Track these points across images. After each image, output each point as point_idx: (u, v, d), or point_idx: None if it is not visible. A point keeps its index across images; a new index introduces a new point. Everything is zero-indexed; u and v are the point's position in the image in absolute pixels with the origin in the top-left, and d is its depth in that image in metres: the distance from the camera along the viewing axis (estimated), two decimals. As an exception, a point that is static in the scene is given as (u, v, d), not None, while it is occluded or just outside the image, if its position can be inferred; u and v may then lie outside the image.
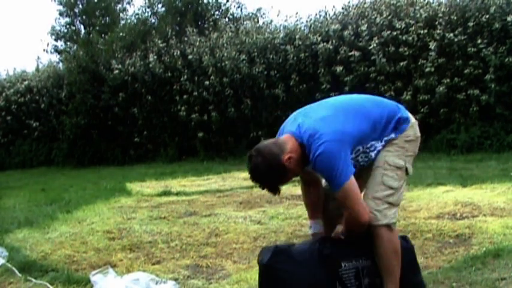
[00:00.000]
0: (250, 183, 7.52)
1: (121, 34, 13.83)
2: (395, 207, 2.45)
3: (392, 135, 2.49)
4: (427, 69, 8.84)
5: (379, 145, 2.48)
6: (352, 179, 2.32)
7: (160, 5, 14.85)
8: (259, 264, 2.51)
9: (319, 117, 2.40)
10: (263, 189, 2.44)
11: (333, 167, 2.28)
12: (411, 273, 2.55)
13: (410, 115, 2.61)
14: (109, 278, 3.06)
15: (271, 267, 2.41)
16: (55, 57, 20.36)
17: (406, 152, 2.52)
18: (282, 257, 2.42)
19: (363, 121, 2.42)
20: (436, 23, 8.96)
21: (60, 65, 15.51)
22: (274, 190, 2.43)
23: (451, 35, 8.71)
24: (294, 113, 2.55)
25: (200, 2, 13.85)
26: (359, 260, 2.45)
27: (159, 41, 12.15)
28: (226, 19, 13.78)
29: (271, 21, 13.08)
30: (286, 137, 2.41)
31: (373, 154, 2.47)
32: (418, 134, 2.62)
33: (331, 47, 9.71)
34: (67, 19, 20.05)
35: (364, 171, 2.50)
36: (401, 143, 2.50)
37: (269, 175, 2.35)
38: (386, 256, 2.40)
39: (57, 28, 20.20)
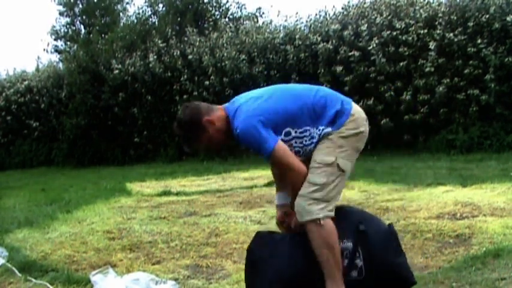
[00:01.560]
0: (250, 183, 7.54)
1: (121, 34, 13.83)
2: (324, 203, 2.44)
3: (329, 129, 2.48)
4: (427, 69, 8.84)
5: (315, 134, 2.49)
6: (279, 142, 2.43)
7: (160, 5, 14.86)
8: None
9: (248, 98, 2.61)
10: (180, 139, 2.72)
11: (256, 139, 2.42)
12: (391, 255, 2.56)
13: (355, 109, 2.56)
14: (109, 278, 3.06)
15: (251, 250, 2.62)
16: (55, 57, 20.38)
17: (340, 148, 2.48)
18: (262, 241, 2.61)
19: (290, 101, 2.50)
20: (436, 23, 8.96)
21: (60, 65, 15.51)
22: (188, 144, 2.70)
23: (451, 35, 8.70)
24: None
25: (200, 2, 13.86)
26: (339, 242, 2.48)
27: (159, 41, 12.15)
28: (226, 19, 13.77)
29: (271, 21, 13.11)
30: (220, 107, 2.64)
31: (309, 143, 2.49)
32: (362, 129, 2.55)
33: (331, 47, 9.70)
34: (67, 19, 20.08)
35: None
36: (335, 139, 2.48)
37: (186, 126, 2.58)
38: (318, 250, 2.43)
39: (57, 28, 20.23)
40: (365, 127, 2.57)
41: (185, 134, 2.62)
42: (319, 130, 2.48)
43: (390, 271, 2.52)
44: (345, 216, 2.56)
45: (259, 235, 2.71)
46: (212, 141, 2.59)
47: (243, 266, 3.44)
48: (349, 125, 2.50)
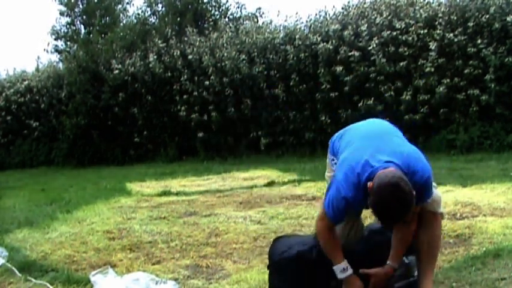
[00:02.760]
0: (250, 183, 7.54)
1: (121, 34, 13.83)
2: None
3: None
4: (427, 69, 8.84)
5: None
6: None
7: (160, 5, 14.86)
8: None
9: (402, 151, 2.40)
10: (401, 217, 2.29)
11: (430, 186, 2.41)
12: None
13: None
14: (109, 278, 3.06)
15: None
16: (55, 57, 20.34)
17: None
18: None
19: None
20: (436, 23, 8.96)
21: (60, 65, 15.49)
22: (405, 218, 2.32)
23: (451, 35, 8.70)
24: (360, 146, 2.48)
25: (200, 2, 13.85)
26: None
27: (159, 41, 12.14)
28: (226, 19, 13.77)
29: (271, 21, 13.06)
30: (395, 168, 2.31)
31: None
32: None
33: (331, 47, 9.70)
34: (67, 19, 20.03)
35: None
36: None
37: (412, 201, 2.25)
38: (437, 240, 2.62)
39: (58, 28, 20.18)
40: None
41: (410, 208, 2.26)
42: None
43: None
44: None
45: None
46: None
47: (243, 266, 3.46)
48: None
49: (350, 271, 2.49)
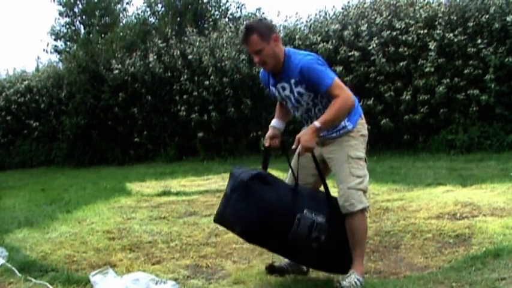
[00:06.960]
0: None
1: (121, 34, 13.83)
2: (366, 193, 2.92)
3: (349, 124, 2.94)
4: (427, 69, 8.84)
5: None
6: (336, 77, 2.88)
7: (160, 5, 14.86)
8: (239, 179, 2.92)
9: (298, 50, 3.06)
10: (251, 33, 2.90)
11: (320, 70, 2.85)
12: None
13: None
14: (109, 278, 3.06)
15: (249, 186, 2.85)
16: (55, 57, 20.34)
17: (363, 144, 2.98)
18: (259, 182, 2.87)
19: None
20: (436, 23, 8.97)
21: (60, 65, 15.50)
22: (260, 37, 2.88)
23: (451, 35, 8.71)
24: None
25: (200, 2, 13.86)
26: (318, 215, 2.84)
27: (159, 41, 12.14)
28: (226, 19, 13.77)
29: (271, 21, 13.06)
30: None
31: (318, 107, 3.00)
32: (366, 132, 3.07)
33: (331, 47, 9.70)
34: (67, 19, 20.05)
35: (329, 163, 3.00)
36: (357, 136, 2.96)
37: (263, 25, 2.94)
38: (358, 234, 2.88)
39: (57, 28, 20.20)
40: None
41: (260, 29, 2.88)
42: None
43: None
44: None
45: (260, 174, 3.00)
46: (271, 56, 2.91)
47: (243, 266, 3.46)
48: (360, 126, 2.99)
49: (273, 123, 3.28)
